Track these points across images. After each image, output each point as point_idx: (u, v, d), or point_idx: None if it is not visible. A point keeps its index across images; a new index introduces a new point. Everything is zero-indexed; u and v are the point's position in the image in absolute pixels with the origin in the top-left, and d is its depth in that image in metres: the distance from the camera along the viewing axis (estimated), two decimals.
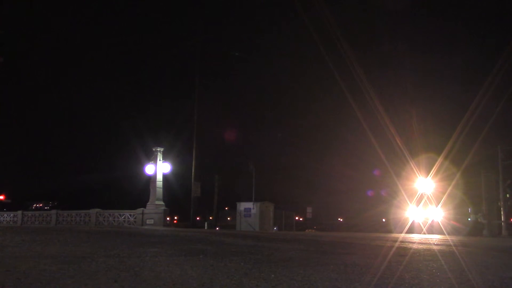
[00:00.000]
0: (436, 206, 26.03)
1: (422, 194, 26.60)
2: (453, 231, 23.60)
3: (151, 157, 24.60)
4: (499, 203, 24.43)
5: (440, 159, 24.58)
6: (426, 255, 6.94)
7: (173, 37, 67.77)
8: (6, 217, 29.76)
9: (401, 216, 28.42)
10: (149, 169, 24.50)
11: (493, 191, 24.78)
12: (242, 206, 26.97)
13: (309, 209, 43.44)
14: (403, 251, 7.54)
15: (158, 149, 24.60)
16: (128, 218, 24.19)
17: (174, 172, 25.89)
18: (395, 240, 11.32)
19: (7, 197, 48.50)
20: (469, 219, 26.94)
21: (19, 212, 29.40)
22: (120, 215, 24.59)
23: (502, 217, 24.27)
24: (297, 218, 46.27)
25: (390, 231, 26.06)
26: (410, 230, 25.82)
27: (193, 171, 25.91)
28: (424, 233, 23.14)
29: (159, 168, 24.26)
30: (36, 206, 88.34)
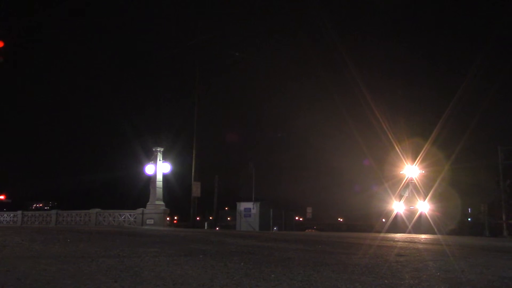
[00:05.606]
0: (424, 200, 25.72)
1: (408, 182, 26.23)
2: (443, 225, 23.36)
3: (151, 157, 24.59)
4: (500, 203, 24.45)
5: (427, 146, 24.35)
6: (425, 255, 6.95)
7: (173, 37, 67.81)
8: (6, 217, 29.75)
9: (384, 209, 28.12)
10: (149, 169, 24.50)
11: (493, 191, 24.80)
12: (242, 206, 26.98)
13: (309, 209, 43.43)
14: (403, 251, 7.55)
15: (158, 149, 24.58)
16: (128, 218, 24.18)
17: (174, 172, 25.90)
18: (395, 240, 11.32)
19: (7, 197, 48.53)
20: (469, 219, 26.91)
21: (19, 212, 29.39)
22: (120, 215, 24.58)
23: (502, 217, 24.27)
24: (297, 218, 46.27)
25: (388, 231, 25.94)
26: (394, 225, 25.47)
27: (193, 171, 25.88)
28: (410, 232, 22.86)
29: (159, 168, 24.25)
30: (36, 206, 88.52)
